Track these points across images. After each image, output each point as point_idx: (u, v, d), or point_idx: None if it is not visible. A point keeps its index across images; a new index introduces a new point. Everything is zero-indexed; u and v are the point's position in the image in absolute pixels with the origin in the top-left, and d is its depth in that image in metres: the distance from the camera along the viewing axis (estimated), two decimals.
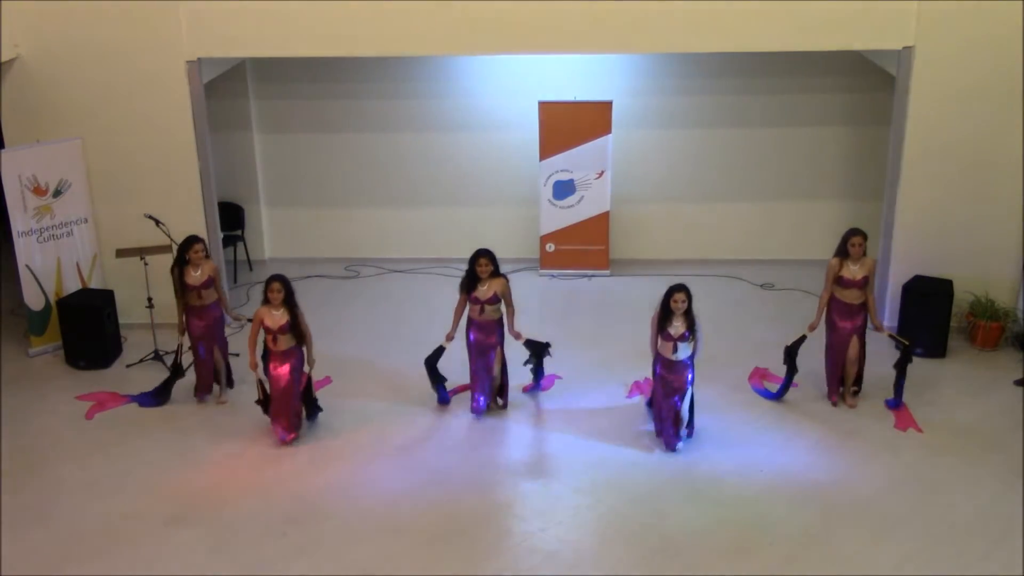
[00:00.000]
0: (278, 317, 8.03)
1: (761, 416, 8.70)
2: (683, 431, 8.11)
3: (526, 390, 8.96)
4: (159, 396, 9.05)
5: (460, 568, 6.90)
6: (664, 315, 7.88)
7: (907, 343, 8.68)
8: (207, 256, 8.83)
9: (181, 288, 8.78)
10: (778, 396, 8.92)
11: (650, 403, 8.52)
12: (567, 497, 7.62)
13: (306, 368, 8.30)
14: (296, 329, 8.09)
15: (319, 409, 8.60)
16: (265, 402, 8.33)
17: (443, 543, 7.15)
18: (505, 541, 7.16)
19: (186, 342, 9.03)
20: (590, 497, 7.59)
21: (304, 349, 8.26)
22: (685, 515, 7.37)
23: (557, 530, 7.25)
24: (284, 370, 8.13)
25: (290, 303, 8.07)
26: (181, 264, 8.76)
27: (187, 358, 9.10)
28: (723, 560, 6.95)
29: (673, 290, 7.87)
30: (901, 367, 8.65)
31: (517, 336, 8.60)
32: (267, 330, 8.07)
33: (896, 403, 8.72)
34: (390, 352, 9.93)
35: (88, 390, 9.32)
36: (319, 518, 7.40)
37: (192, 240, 8.77)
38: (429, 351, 8.71)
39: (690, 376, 7.99)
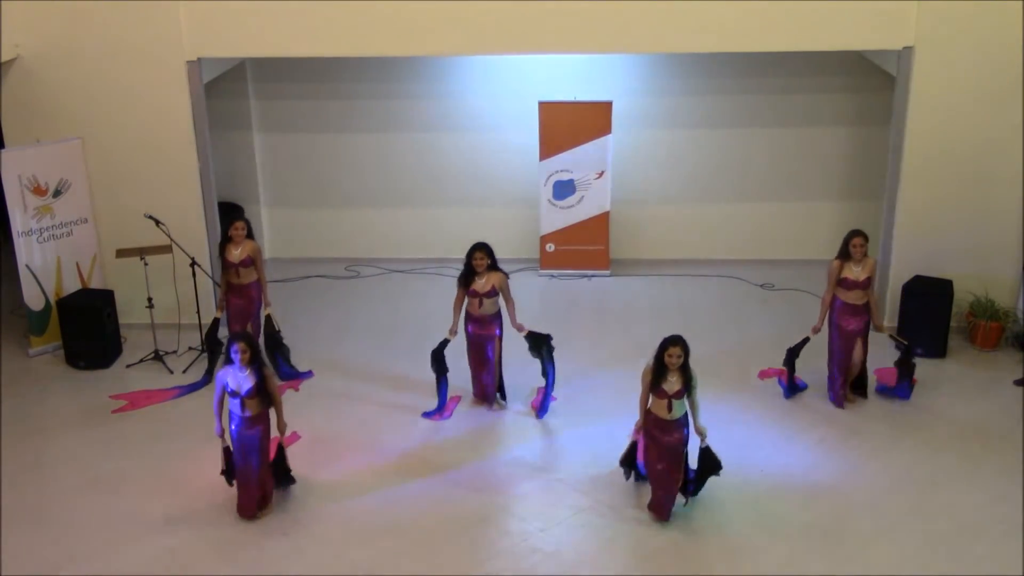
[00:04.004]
0: (244, 379, 7.16)
1: (761, 416, 8.70)
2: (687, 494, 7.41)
3: (534, 406, 8.92)
4: (209, 374, 9.30)
5: (460, 568, 6.90)
6: (658, 370, 7.05)
7: (907, 343, 8.72)
8: (249, 236, 9.00)
9: (223, 266, 9.02)
10: (787, 395, 8.96)
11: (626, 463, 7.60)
12: (567, 497, 7.62)
13: (275, 434, 7.42)
14: (264, 392, 7.22)
15: (292, 480, 7.65)
16: (230, 472, 7.46)
17: (443, 543, 7.15)
18: (505, 541, 7.16)
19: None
20: (590, 497, 7.59)
21: (275, 413, 7.40)
22: (685, 515, 7.37)
23: (557, 530, 7.25)
24: (253, 438, 7.27)
25: (257, 363, 7.21)
26: (224, 242, 9.01)
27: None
28: (723, 560, 6.95)
29: (668, 343, 6.98)
30: (905, 365, 8.71)
31: (520, 328, 8.64)
32: (232, 394, 7.17)
33: (906, 394, 8.82)
34: (390, 352, 9.93)
35: (88, 390, 9.33)
36: (319, 518, 7.40)
37: (233, 218, 9.06)
38: (429, 351, 8.70)
39: (687, 434, 7.21)
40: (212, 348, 9.33)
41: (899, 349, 8.74)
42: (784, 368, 9.00)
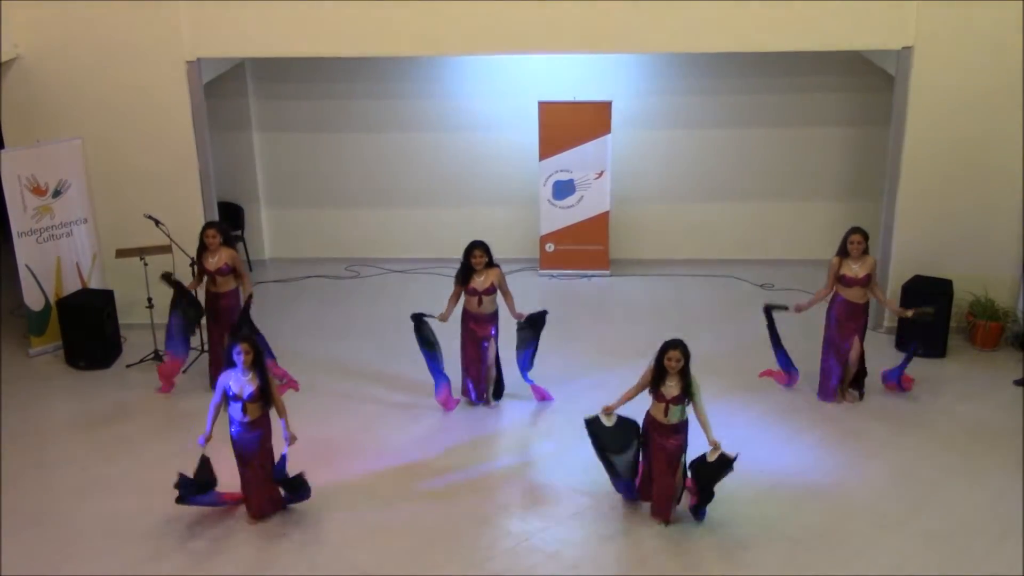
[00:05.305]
0: (246, 383, 7.05)
1: (761, 416, 8.71)
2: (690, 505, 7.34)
3: (537, 394, 8.95)
4: (187, 334, 9.25)
5: (460, 568, 6.90)
6: (657, 373, 7.00)
7: (931, 312, 8.70)
8: (224, 243, 8.89)
9: (200, 273, 8.98)
10: (781, 355, 8.99)
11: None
12: (567, 497, 7.62)
13: (283, 448, 7.21)
14: (267, 396, 7.07)
15: (298, 490, 7.35)
16: (201, 478, 7.18)
17: (443, 543, 7.15)
18: (505, 541, 7.16)
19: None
20: (590, 497, 7.59)
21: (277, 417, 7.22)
22: (685, 515, 7.37)
23: (557, 530, 7.25)
24: (253, 441, 7.16)
25: (260, 366, 7.05)
26: (200, 249, 8.94)
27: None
28: (723, 560, 6.95)
29: (668, 347, 6.93)
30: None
31: (519, 317, 8.71)
32: (234, 398, 7.01)
33: (897, 376, 8.87)
34: (390, 352, 9.92)
35: (88, 390, 9.34)
36: (319, 518, 7.40)
37: (206, 225, 9.00)
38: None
39: (684, 440, 7.17)
40: (193, 308, 9.08)
41: (922, 319, 8.69)
42: (780, 369, 9.06)
